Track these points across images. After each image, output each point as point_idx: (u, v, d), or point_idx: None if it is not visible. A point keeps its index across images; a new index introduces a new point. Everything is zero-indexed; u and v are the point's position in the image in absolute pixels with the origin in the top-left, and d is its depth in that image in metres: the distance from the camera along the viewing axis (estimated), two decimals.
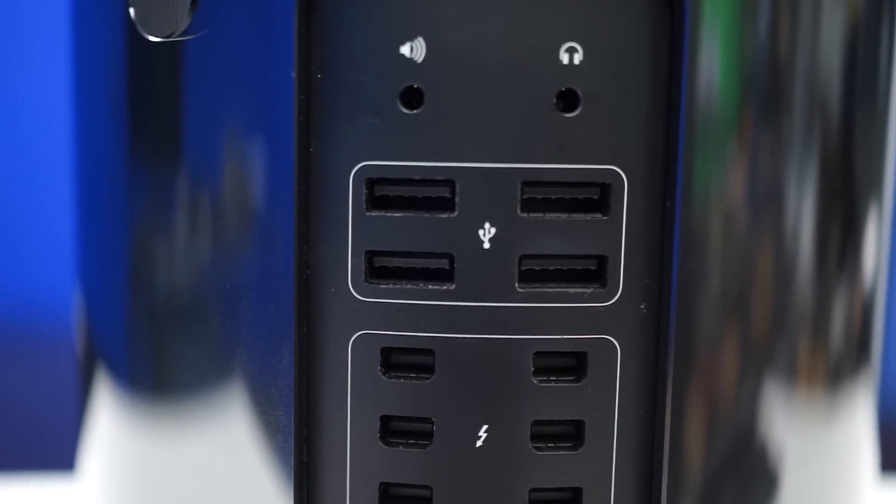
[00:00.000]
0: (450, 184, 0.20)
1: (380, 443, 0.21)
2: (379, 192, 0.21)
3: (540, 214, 0.21)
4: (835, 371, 0.23)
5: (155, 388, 0.24)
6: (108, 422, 0.25)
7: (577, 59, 0.20)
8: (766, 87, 0.21)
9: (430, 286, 0.21)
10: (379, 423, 0.21)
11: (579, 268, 0.21)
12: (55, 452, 0.41)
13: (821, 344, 0.23)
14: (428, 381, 0.21)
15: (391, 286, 0.21)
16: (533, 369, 0.21)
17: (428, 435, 0.21)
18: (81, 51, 0.25)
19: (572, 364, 0.21)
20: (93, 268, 0.25)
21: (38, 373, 0.57)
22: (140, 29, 0.22)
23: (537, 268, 0.21)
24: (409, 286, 0.21)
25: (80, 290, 0.26)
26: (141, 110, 0.23)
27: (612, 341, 0.21)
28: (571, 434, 0.22)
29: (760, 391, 0.22)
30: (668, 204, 0.21)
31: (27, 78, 0.58)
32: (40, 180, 0.58)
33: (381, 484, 0.22)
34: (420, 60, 0.20)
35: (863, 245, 0.23)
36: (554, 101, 0.20)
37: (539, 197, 0.21)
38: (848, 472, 0.24)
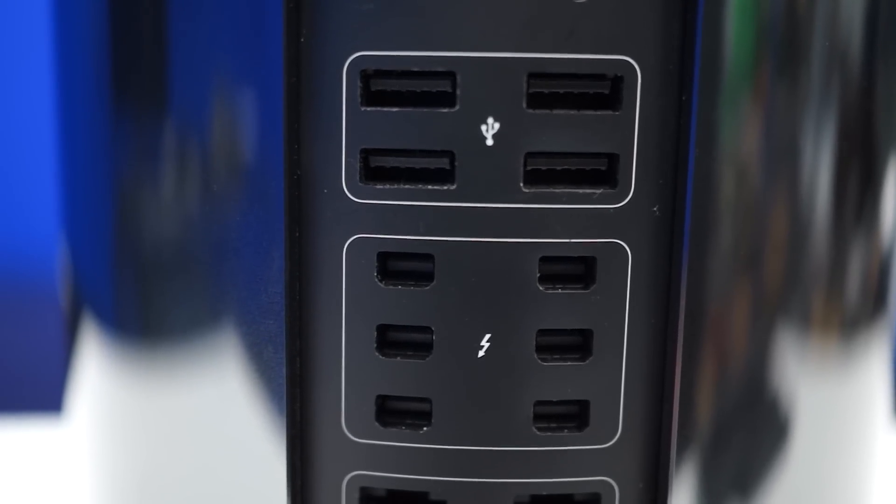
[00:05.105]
0: (450, 76, 0.19)
1: (377, 353, 0.20)
2: (375, 87, 0.20)
3: (547, 110, 0.19)
4: (853, 287, 0.22)
5: (139, 302, 0.22)
6: (93, 346, 0.24)
7: None
8: None
9: (429, 187, 0.20)
10: (375, 333, 0.20)
11: (588, 167, 0.20)
12: (45, 395, 0.41)
13: (840, 253, 0.22)
14: (427, 287, 0.20)
15: (388, 187, 0.20)
16: (538, 275, 0.20)
17: (427, 345, 0.20)
18: None
19: (580, 270, 0.20)
20: (72, 189, 0.24)
21: (28, 321, 0.57)
22: None
23: (544, 167, 0.20)
24: (406, 187, 0.20)
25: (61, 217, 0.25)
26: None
27: (622, 245, 0.20)
28: (579, 344, 0.21)
29: (779, 300, 0.21)
30: (683, 98, 0.19)
31: (10, 25, 0.57)
32: (24, 128, 0.57)
33: (378, 397, 0.21)
34: None
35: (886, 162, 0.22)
36: None
37: (546, 91, 0.19)
38: (862, 401, 0.23)
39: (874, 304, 0.23)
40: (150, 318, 0.22)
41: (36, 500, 0.38)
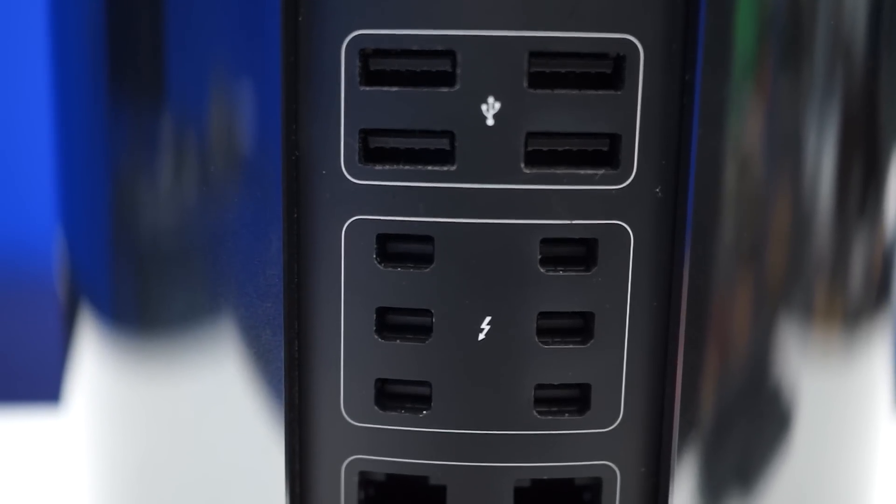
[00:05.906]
0: (450, 55, 0.19)
1: (376, 336, 0.20)
2: (374, 66, 0.19)
3: (548, 89, 0.19)
4: (856, 273, 0.22)
5: (137, 288, 0.22)
6: (90, 334, 0.24)
7: None
8: None
9: (429, 167, 0.19)
10: (375, 316, 0.20)
11: (590, 148, 0.20)
12: (43, 385, 0.41)
13: (843, 236, 0.22)
14: (427, 270, 0.20)
15: (387, 168, 0.20)
16: (539, 257, 0.20)
17: (427, 328, 0.20)
18: None
19: (581, 252, 0.20)
20: (68, 175, 0.24)
21: (25, 311, 0.57)
22: None
23: (545, 148, 0.19)
24: (406, 167, 0.19)
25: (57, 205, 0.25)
26: None
27: (624, 227, 0.20)
28: (580, 327, 0.20)
29: (783, 284, 0.21)
30: (687, 78, 0.19)
31: (7, 17, 0.56)
32: (20, 118, 0.57)
33: (378, 380, 0.20)
34: None
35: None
36: None
37: (547, 70, 0.19)
38: (864, 390, 0.23)
39: (877, 291, 0.23)
40: (148, 303, 0.22)
41: (34, 490, 0.38)
